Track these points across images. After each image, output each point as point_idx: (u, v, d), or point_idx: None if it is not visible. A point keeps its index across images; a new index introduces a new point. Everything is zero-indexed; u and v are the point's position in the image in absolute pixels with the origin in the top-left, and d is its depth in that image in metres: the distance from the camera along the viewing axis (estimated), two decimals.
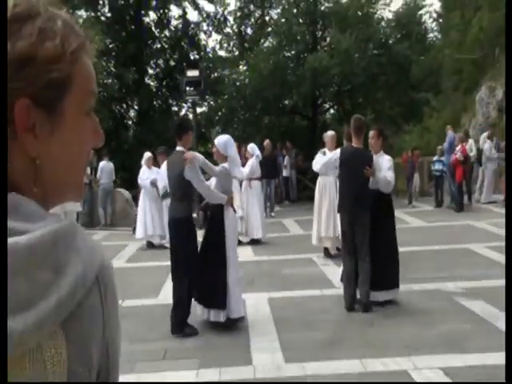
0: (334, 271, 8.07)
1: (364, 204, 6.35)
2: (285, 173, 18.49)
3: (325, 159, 7.24)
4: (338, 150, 6.69)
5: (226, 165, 5.99)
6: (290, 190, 18.96)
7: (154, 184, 11.21)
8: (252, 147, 11.55)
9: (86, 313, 0.77)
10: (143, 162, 11.70)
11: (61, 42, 0.79)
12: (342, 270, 6.67)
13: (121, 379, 3.34)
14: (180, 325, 5.79)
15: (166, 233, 11.24)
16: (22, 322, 0.68)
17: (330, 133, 10.11)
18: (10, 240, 0.69)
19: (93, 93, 0.87)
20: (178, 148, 5.88)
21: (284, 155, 18.66)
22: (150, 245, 11.46)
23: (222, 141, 6.14)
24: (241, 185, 11.32)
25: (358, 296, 6.43)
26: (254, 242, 11.13)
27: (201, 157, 5.82)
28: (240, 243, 11.19)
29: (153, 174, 11.45)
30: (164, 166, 11.33)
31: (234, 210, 6.15)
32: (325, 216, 9.17)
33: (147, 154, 11.82)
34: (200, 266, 5.80)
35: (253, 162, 11.20)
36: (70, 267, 0.73)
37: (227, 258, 5.85)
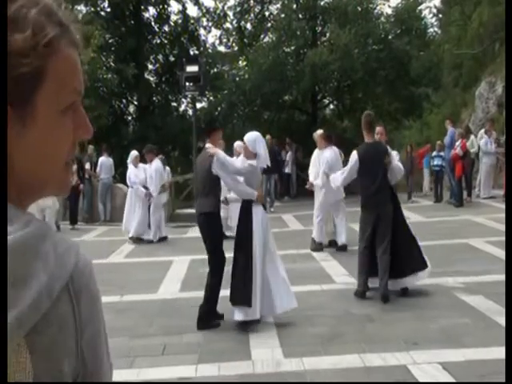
0: (334, 267, 8.08)
1: (387, 195, 6.67)
2: (287, 169, 18.43)
3: (344, 174, 7.02)
4: (354, 154, 6.79)
5: (254, 162, 5.95)
6: (290, 186, 18.94)
7: (145, 188, 11.38)
8: (239, 145, 11.67)
9: (54, 323, 0.74)
10: (129, 160, 11.69)
11: (32, 33, 0.72)
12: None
13: (119, 374, 3.36)
14: (204, 319, 5.79)
15: (153, 229, 11.48)
16: None
17: (319, 131, 10.21)
18: None
19: (74, 89, 0.80)
20: (207, 145, 5.98)
21: (287, 151, 18.61)
22: (138, 240, 11.43)
23: (252, 137, 6.10)
24: None
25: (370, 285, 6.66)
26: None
27: (222, 154, 5.87)
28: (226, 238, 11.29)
29: (140, 172, 11.51)
30: (155, 163, 11.45)
31: (264, 207, 6.12)
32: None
33: (134, 153, 11.83)
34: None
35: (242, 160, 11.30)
36: (32, 278, 0.70)
37: (253, 255, 5.74)
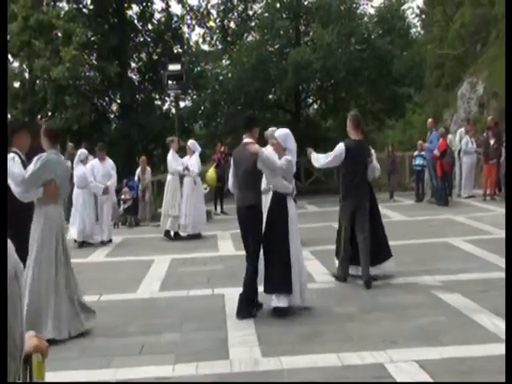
0: (315, 265, 8.09)
1: (365, 189, 7.16)
2: None
3: (329, 158, 7.29)
4: (342, 145, 7.12)
5: (289, 157, 6.13)
6: None
7: (106, 191, 11.29)
8: (193, 143, 11.85)
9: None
10: (77, 159, 11.53)
11: None
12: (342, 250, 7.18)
13: (97, 374, 3.34)
14: (244, 308, 5.99)
15: (105, 229, 11.31)
16: None
17: (272, 129, 10.46)
18: None
19: None
20: (246, 140, 6.20)
21: None
22: (82, 244, 11.07)
23: (283, 133, 6.33)
24: (181, 182, 11.43)
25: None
26: (196, 237, 11.27)
27: (265, 151, 6.09)
28: (179, 237, 11.25)
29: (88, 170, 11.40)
30: (95, 161, 11.44)
31: (295, 201, 6.40)
32: None
33: (83, 152, 11.72)
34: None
35: (197, 158, 11.47)
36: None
37: (290, 243, 6.02)
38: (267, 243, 6.08)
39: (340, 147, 7.14)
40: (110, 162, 11.69)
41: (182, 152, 12.24)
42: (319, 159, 7.46)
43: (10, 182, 5.45)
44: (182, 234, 11.45)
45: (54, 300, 5.48)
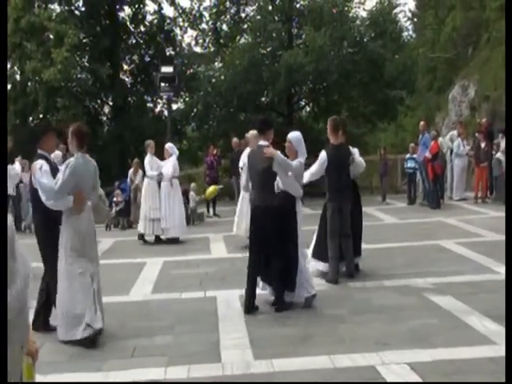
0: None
1: (349, 192, 7.49)
2: None
3: (312, 170, 7.49)
4: (324, 154, 7.39)
5: (302, 160, 6.40)
6: None
7: None
8: (171, 146, 11.87)
9: None
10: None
11: None
12: (329, 249, 7.41)
13: (88, 377, 3.34)
14: (278, 304, 6.29)
15: None
16: None
17: (253, 132, 10.57)
18: None
19: None
20: (261, 142, 6.39)
21: None
22: None
23: (295, 136, 6.60)
24: (159, 184, 11.42)
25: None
26: (173, 241, 11.23)
27: (278, 152, 6.24)
28: (160, 241, 11.22)
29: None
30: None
31: (302, 202, 6.73)
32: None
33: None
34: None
35: (174, 161, 11.40)
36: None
37: (299, 245, 6.36)
38: (275, 241, 6.26)
39: (322, 156, 7.43)
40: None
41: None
42: (305, 176, 7.45)
43: (40, 192, 5.48)
44: (163, 237, 11.37)
45: (89, 307, 5.46)
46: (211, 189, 13.54)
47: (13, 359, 0.89)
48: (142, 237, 11.43)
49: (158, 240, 11.42)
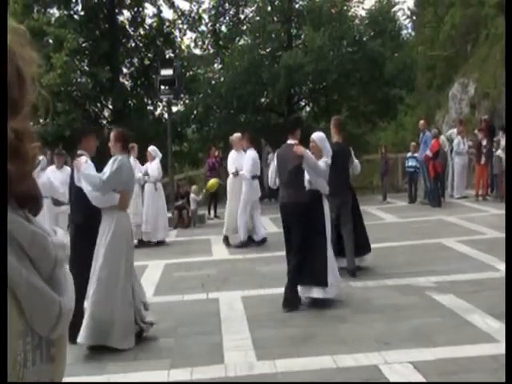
0: None
1: (348, 188, 7.67)
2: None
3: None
4: (273, 154, 7.68)
5: (328, 159, 6.58)
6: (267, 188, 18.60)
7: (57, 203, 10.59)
8: (154, 149, 11.87)
9: None
10: (39, 167, 11.38)
11: None
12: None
13: (91, 380, 3.33)
14: (290, 301, 6.34)
15: None
16: None
17: (237, 135, 10.84)
18: None
19: None
20: (290, 141, 6.65)
21: (268, 152, 18.42)
22: None
23: (320, 136, 6.78)
24: (143, 188, 11.47)
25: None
26: (159, 244, 11.30)
27: (307, 151, 6.48)
28: (144, 244, 11.22)
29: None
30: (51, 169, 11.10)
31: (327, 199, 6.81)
32: (234, 210, 10.53)
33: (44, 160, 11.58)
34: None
35: (157, 164, 11.55)
36: None
37: (327, 238, 6.49)
38: (307, 238, 6.40)
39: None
40: (67, 170, 11.00)
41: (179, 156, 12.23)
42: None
43: (85, 186, 5.51)
44: (146, 240, 11.34)
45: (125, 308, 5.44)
46: (212, 181, 13.61)
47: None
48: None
49: (142, 243, 11.21)
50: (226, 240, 10.78)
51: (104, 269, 5.39)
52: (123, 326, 5.36)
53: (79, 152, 5.86)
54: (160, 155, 11.94)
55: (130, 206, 11.00)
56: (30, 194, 0.89)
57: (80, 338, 5.26)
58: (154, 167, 11.50)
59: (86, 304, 5.37)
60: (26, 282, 0.82)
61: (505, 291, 2.70)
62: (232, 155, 11.06)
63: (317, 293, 6.38)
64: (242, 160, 10.61)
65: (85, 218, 5.71)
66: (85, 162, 5.57)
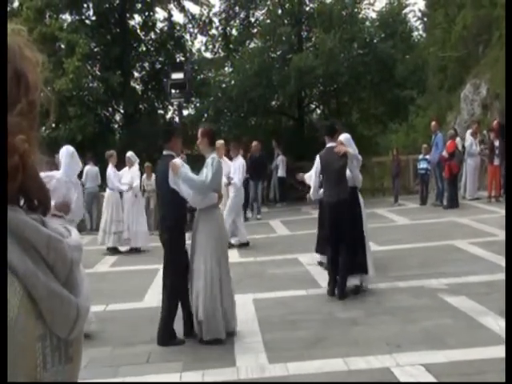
0: (320, 271, 8.09)
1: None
2: (280, 173, 18.02)
3: (310, 172, 7.66)
4: (317, 157, 7.28)
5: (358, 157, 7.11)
6: (284, 191, 18.48)
7: None
8: (132, 155, 11.80)
9: None
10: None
11: None
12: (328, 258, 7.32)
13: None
14: (344, 290, 6.78)
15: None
16: None
17: (220, 141, 10.93)
18: None
19: None
20: (330, 144, 7.05)
21: (278, 154, 18.42)
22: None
23: (346, 137, 7.16)
24: (121, 195, 11.50)
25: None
26: (137, 251, 11.32)
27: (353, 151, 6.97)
28: (118, 251, 11.30)
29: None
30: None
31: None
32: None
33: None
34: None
35: (137, 171, 11.65)
36: None
37: (364, 230, 7.04)
38: (349, 231, 6.86)
39: (316, 160, 7.38)
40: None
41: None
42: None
43: (184, 189, 5.45)
44: (122, 249, 11.39)
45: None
46: None
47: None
48: (114, 249, 11.29)
49: (115, 250, 11.28)
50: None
51: (212, 263, 5.52)
52: (228, 316, 5.62)
53: (166, 152, 5.77)
54: (138, 160, 11.85)
55: (110, 212, 11.23)
56: (41, 195, 0.91)
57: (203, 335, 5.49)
58: (134, 177, 11.43)
59: (195, 299, 5.53)
60: (44, 285, 0.83)
61: (505, 291, 2.68)
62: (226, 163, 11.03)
63: (358, 280, 6.92)
64: (225, 167, 10.57)
65: (176, 220, 5.71)
66: (182, 166, 5.50)
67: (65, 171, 5.61)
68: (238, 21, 24.51)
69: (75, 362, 0.92)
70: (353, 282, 6.89)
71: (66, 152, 5.79)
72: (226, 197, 10.53)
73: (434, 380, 4.34)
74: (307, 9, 21.79)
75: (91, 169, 14.64)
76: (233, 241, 10.69)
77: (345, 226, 6.87)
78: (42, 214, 0.90)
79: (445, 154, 13.94)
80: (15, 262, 0.80)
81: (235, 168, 10.77)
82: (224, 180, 10.38)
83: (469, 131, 15.84)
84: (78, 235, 0.95)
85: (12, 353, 0.78)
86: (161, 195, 5.95)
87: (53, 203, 5.51)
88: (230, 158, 11.21)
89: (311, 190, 7.33)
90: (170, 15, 24.75)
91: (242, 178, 10.86)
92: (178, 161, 5.57)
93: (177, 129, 6.65)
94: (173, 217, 5.67)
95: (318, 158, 7.20)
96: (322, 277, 7.79)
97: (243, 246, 10.79)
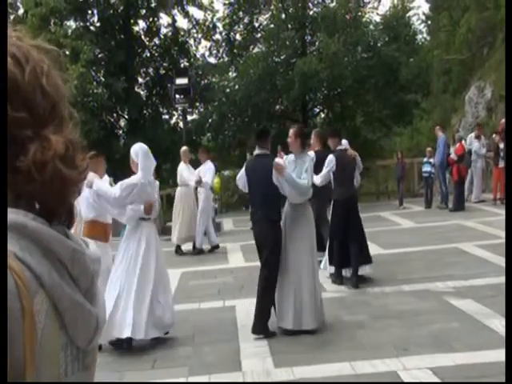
0: (325, 275, 8.07)
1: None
2: None
3: (324, 172, 7.67)
4: (332, 157, 7.60)
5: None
6: None
7: None
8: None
9: None
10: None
11: None
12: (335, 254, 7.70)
13: None
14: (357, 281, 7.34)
15: None
16: None
17: (184, 148, 11.32)
18: None
19: None
20: (341, 147, 7.85)
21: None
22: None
23: (347, 142, 8.23)
24: None
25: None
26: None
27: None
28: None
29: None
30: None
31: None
32: (187, 219, 10.99)
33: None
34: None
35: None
36: None
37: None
38: (355, 227, 7.57)
39: (330, 160, 7.63)
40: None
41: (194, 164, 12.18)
42: (316, 178, 7.61)
43: (287, 189, 5.80)
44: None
45: None
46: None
47: None
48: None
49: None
50: (179, 249, 11.18)
51: (306, 256, 5.89)
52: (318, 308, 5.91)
53: (261, 151, 5.96)
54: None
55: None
56: (61, 208, 0.92)
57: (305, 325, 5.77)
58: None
59: (296, 291, 5.78)
60: (69, 298, 0.85)
61: (505, 291, 2.66)
62: (183, 167, 11.15)
63: (363, 270, 7.51)
64: (189, 173, 10.98)
65: (280, 213, 6.03)
66: (285, 168, 5.75)
67: (143, 174, 5.71)
68: (241, 26, 24.55)
69: (92, 371, 0.95)
70: (364, 271, 7.57)
71: (142, 153, 5.77)
72: (189, 202, 11.07)
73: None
74: (311, 13, 21.80)
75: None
76: (204, 246, 11.13)
77: (356, 220, 7.59)
78: (66, 227, 0.92)
79: (453, 156, 13.89)
80: (44, 275, 0.82)
81: (205, 170, 11.05)
82: (192, 184, 10.79)
83: (471, 135, 15.78)
84: (94, 247, 0.97)
85: (38, 361, 0.80)
86: (261, 192, 6.00)
87: (142, 208, 5.58)
88: (199, 163, 11.54)
89: (320, 179, 7.38)
90: (174, 21, 24.85)
91: (212, 179, 11.21)
92: (281, 161, 5.98)
93: (268, 130, 7.01)
94: (278, 211, 6.04)
95: (332, 157, 7.59)
96: (328, 280, 7.78)
97: (214, 249, 11.17)
